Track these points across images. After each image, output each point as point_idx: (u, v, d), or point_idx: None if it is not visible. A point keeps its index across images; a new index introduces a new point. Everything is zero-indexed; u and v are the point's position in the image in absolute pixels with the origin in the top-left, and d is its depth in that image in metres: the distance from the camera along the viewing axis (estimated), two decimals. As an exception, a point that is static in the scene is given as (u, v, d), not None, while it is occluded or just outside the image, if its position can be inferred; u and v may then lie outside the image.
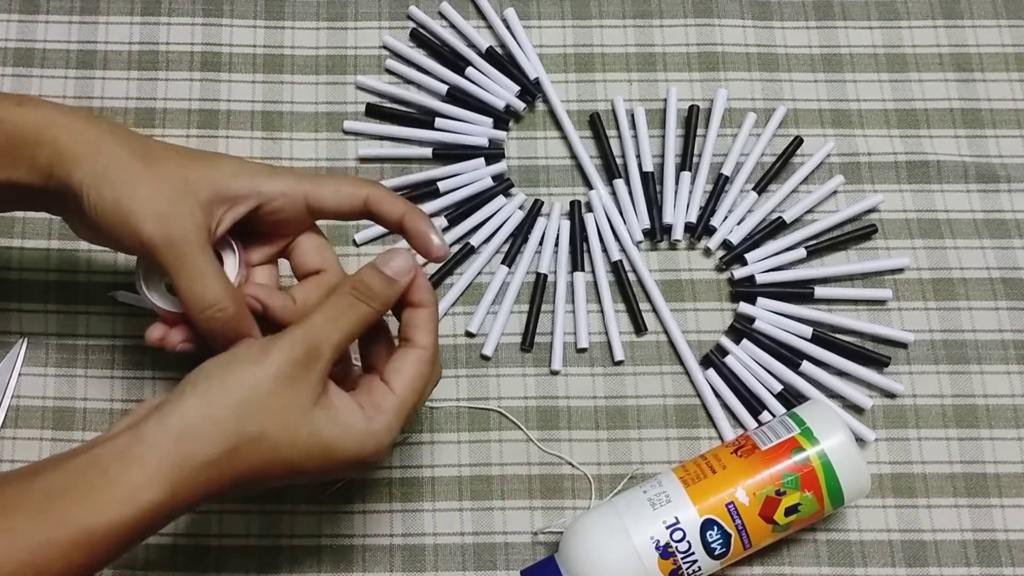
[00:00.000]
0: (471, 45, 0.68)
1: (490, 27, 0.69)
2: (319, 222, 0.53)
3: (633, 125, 0.66)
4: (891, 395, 0.61)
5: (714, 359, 0.61)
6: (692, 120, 0.66)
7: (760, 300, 0.63)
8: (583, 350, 0.62)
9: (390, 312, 0.49)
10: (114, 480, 0.42)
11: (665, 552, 0.52)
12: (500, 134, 0.66)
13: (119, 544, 0.42)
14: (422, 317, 0.49)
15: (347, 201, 0.50)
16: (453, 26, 0.69)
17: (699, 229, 0.64)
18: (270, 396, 0.44)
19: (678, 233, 0.64)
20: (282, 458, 0.45)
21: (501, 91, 0.66)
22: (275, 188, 0.49)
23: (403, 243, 0.51)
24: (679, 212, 0.64)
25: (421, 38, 0.68)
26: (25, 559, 0.40)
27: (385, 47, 0.68)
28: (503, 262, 0.63)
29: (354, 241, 0.64)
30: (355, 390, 0.48)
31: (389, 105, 0.67)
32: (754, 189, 0.65)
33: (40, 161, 0.46)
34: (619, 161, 0.66)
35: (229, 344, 0.48)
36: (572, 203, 0.65)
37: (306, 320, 0.46)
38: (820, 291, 0.63)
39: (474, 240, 0.64)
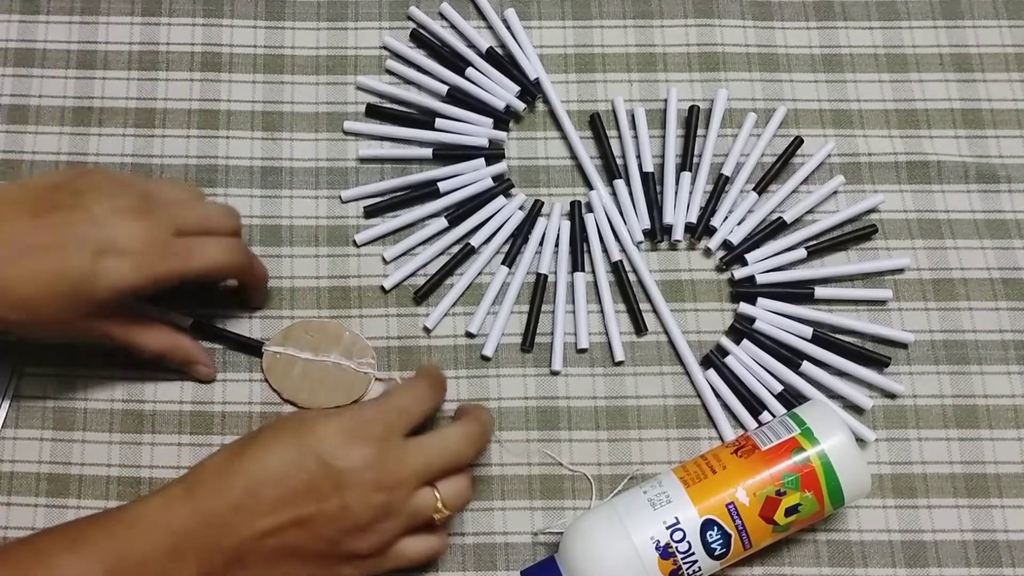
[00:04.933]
0: (471, 45, 0.68)
1: (490, 27, 0.69)
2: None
3: (633, 125, 0.66)
4: (891, 395, 0.61)
5: (714, 359, 0.61)
6: (692, 120, 0.66)
7: (760, 300, 0.62)
8: (583, 350, 0.62)
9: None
10: None
11: (665, 552, 0.52)
12: (500, 134, 0.66)
13: None
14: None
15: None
16: (453, 26, 0.69)
17: (699, 229, 0.64)
18: None
19: (678, 233, 0.64)
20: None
21: (501, 91, 0.66)
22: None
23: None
24: (679, 212, 0.64)
25: (421, 38, 0.68)
26: None
27: (385, 48, 0.68)
28: (503, 263, 0.63)
29: (354, 242, 0.64)
30: None
31: (389, 105, 0.67)
32: (754, 189, 0.65)
33: None
34: (619, 161, 0.66)
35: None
36: (572, 203, 0.65)
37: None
38: (820, 291, 0.63)
39: (474, 240, 0.64)
